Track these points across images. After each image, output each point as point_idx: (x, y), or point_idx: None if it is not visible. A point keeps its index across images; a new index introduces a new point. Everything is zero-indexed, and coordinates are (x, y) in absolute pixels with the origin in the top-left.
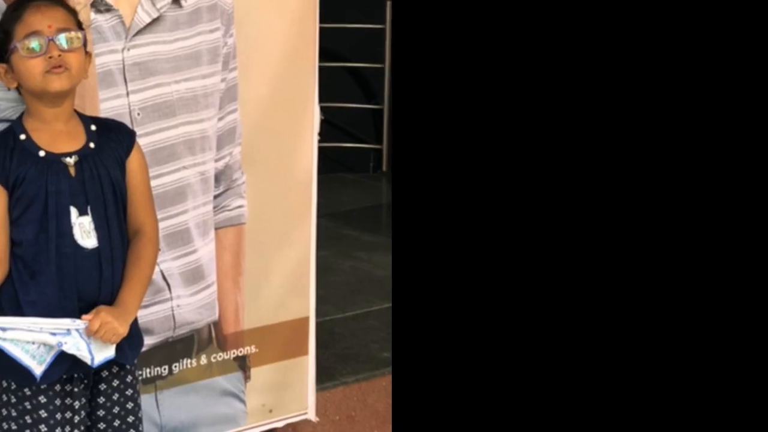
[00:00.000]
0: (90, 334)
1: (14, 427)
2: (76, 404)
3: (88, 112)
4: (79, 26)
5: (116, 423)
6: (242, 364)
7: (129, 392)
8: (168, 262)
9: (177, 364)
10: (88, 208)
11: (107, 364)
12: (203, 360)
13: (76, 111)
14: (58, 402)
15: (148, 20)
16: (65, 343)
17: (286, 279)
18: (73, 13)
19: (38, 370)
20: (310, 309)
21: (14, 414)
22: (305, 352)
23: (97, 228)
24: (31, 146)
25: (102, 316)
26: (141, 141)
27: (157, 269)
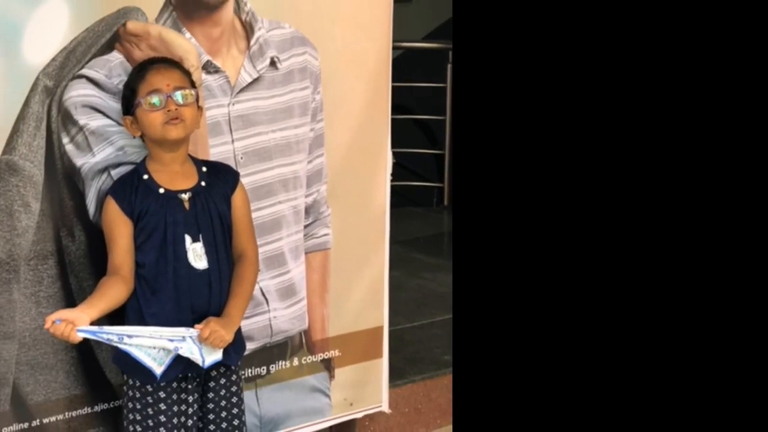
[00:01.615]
0: (201, 340)
1: (138, 417)
2: (190, 399)
3: (200, 156)
4: (193, 85)
5: (223, 414)
6: (328, 366)
7: (234, 389)
8: (266, 281)
9: (273, 366)
10: (200, 236)
11: (216, 366)
12: (295, 362)
13: (189, 155)
14: (174, 397)
15: (249, 80)
16: (181, 348)
17: (363, 295)
18: (187, 74)
19: (158, 370)
20: (383, 319)
21: (138, 407)
22: (380, 355)
23: (208, 253)
24: (153, 184)
25: (211, 325)
26: (243, 180)
27: (257, 286)
